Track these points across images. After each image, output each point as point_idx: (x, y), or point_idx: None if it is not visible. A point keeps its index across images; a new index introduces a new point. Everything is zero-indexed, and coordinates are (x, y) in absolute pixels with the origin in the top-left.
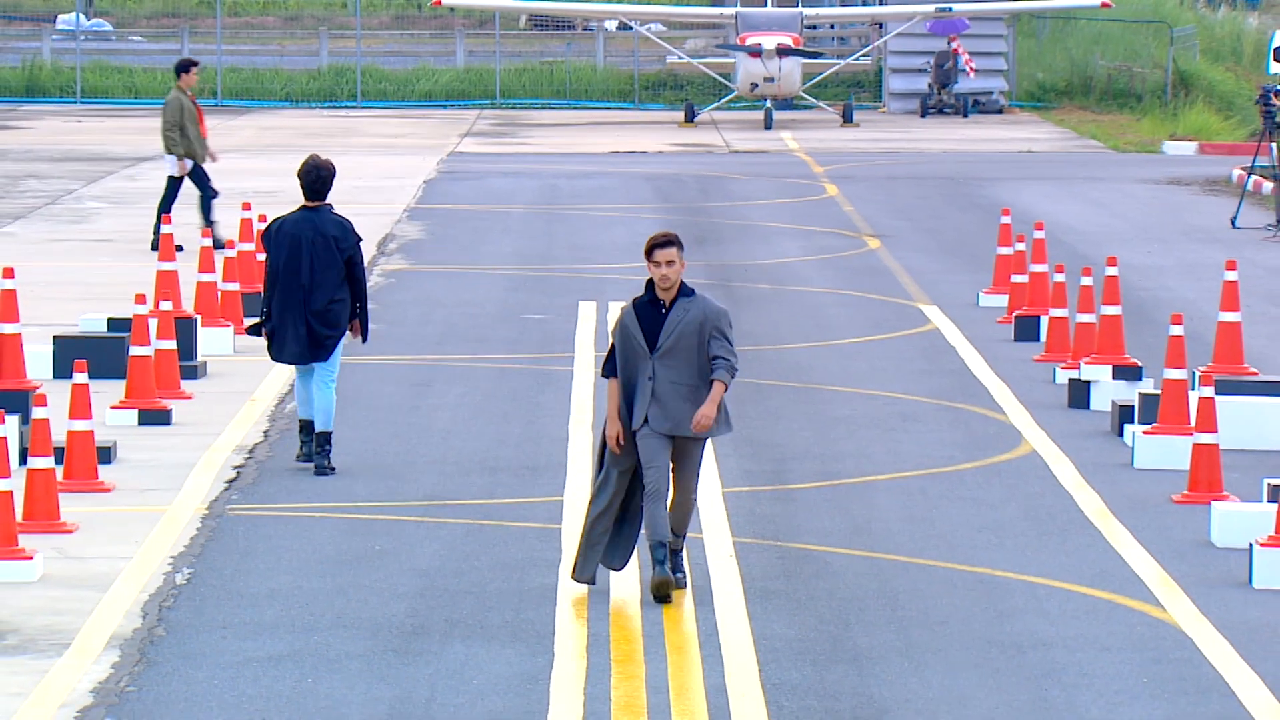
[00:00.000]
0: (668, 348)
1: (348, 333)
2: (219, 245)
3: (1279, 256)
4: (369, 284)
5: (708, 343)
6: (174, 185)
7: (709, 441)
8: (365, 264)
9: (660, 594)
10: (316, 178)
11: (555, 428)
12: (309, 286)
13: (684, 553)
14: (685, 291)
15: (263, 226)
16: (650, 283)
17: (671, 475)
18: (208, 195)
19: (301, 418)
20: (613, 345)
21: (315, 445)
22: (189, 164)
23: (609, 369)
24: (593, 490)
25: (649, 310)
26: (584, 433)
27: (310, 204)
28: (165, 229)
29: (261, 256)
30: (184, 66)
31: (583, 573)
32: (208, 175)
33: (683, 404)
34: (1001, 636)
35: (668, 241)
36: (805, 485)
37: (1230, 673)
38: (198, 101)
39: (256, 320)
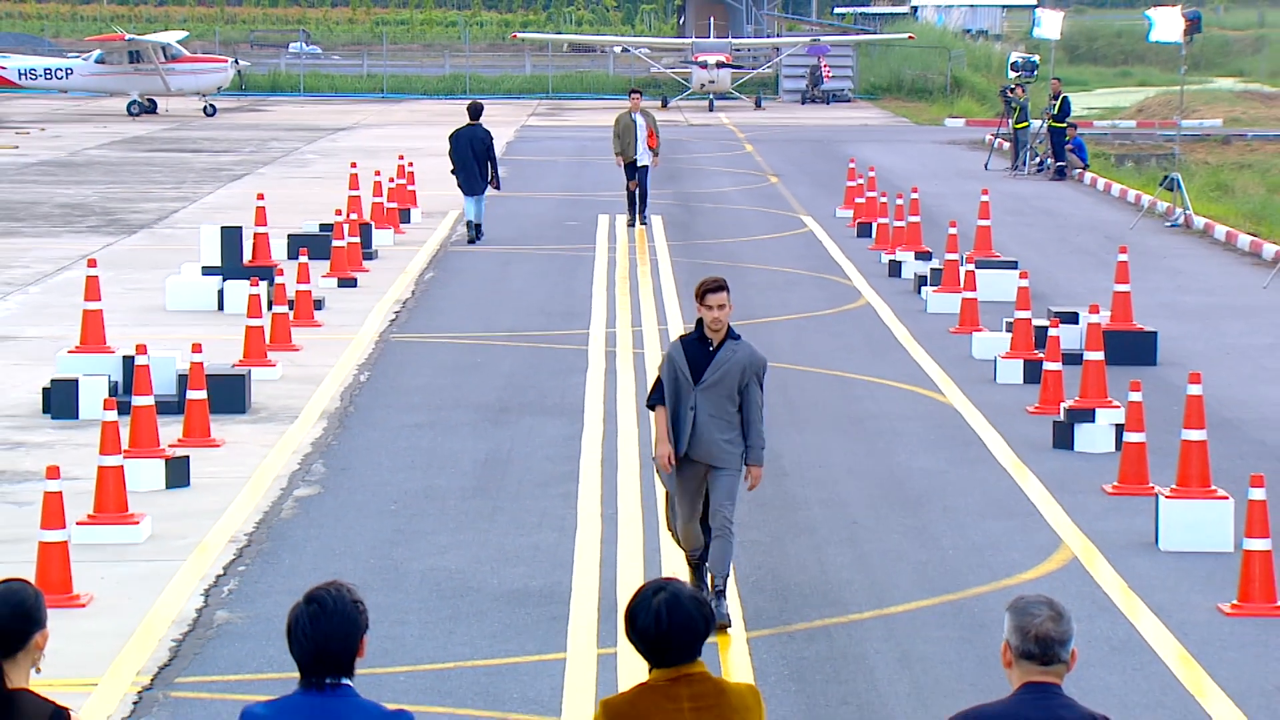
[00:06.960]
0: (712, 382)
1: (489, 186)
2: None
3: (1014, 187)
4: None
5: (746, 386)
6: None
7: (741, 467)
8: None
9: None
10: (474, 108)
11: (583, 288)
12: (471, 162)
13: (725, 595)
14: (732, 335)
15: (412, 170)
16: (700, 322)
17: (707, 506)
18: None
19: (469, 219)
20: (659, 378)
21: (476, 231)
22: None
23: (655, 398)
24: (667, 513)
25: (697, 347)
26: (601, 293)
27: (470, 121)
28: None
29: (411, 187)
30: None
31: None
32: None
33: (717, 434)
34: (850, 413)
35: (719, 287)
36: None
37: (983, 432)
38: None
39: (452, 169)
